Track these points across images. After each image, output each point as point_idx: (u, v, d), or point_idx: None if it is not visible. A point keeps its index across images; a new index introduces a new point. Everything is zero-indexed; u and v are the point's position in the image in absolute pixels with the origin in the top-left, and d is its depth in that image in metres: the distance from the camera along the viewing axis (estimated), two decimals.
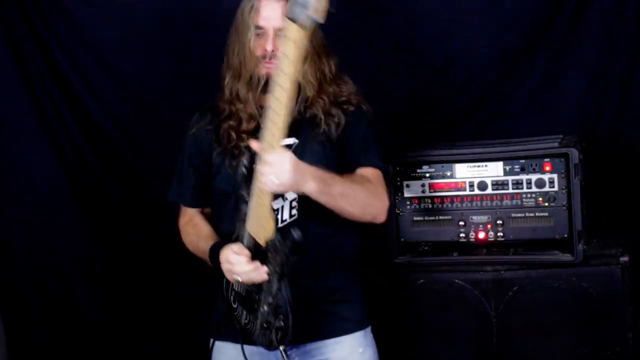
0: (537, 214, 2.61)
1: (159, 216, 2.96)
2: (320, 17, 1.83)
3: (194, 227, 2.48)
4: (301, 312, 2.26)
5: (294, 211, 2.33)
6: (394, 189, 2.71)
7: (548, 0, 2.87)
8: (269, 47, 2.29)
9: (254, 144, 2.09)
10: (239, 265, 2.17)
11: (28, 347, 3.24)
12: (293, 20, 1.85)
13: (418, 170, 2.71)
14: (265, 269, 2.14)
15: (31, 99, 3.13)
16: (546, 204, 2.60)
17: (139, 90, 3.16)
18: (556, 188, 2.59)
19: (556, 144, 2.67)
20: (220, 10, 2.87)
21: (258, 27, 2.31)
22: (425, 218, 2.72)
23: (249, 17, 2.31)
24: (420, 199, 2.72)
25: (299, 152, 2.25)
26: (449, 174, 2.69)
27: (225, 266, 2.22)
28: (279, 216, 2.31)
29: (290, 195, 2.31)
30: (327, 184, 2.16)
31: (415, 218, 2.73)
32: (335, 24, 1.92)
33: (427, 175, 2.71)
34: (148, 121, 3.13)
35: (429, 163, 2.71)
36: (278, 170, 2.04)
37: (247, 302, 2.25)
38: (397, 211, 2.73)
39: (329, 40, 2.36)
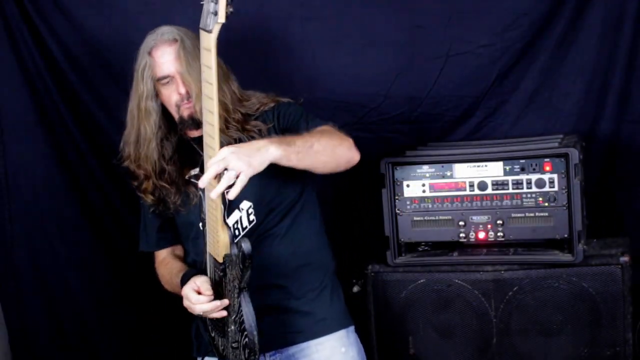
0: (537, 214, 2.61)
1: None
2: (223, 18, 1.88)
3: (166, 266, 2.51)
4: (278, 315, 2.26)
5: (252, 217, 2.33)
6: (393, 188, 2.71)
7: (548, 0, 2.86)
8: (182, 90, 2.29)
9: (200, 181, 2.05)
10: (198, 305, 2.18)
11: (28, 346, 3.24)
12: (204, 29, 1.93)
13: (418, 170, 2.71)
14: (223, 306, 2.15)
15: (31, 98, 3.13)
16: (546, 204, 2.60)
17: None
18: (556, 188, 2.58)
19: (556, 144, 2.68)
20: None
21: (162, 78, 2.31)
22: (425, 218, 2.72)
23: (145, 75, 2.32)
24: (420, 199, 2.72)
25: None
26: (449, 174, 2.69)
27: (184, 302, 2.23)
28: (239, 226, 2.32)
29: (245, 204, 2.31)
30: (288, 143, 2.10)
31: (415, 218, 2.73)
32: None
33: (427, 175, 2.71)
34: None
35: (429, 163, 2.70)
36: (228, 158, 1.97)
37: (219, 327, 2.24)
38: (397, 211, 2.73)
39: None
